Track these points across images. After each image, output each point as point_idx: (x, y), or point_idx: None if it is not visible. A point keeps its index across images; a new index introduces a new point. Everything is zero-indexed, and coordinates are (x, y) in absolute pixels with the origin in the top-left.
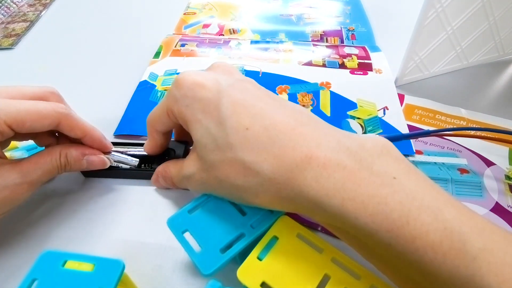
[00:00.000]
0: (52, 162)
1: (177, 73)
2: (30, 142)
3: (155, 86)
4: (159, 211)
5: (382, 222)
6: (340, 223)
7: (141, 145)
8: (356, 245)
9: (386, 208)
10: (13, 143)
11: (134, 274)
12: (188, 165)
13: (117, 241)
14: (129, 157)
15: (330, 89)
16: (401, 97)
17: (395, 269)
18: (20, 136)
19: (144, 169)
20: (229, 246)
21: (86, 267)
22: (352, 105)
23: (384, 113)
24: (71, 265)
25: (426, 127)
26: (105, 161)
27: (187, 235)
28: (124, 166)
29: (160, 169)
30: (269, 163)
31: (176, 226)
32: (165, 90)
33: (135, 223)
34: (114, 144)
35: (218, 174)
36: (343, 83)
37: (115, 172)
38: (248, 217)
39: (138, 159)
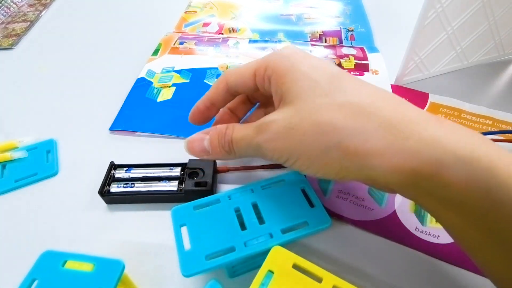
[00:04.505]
0: None
1: (174, 71)
2: (31, 141)
3: (152, 83)
4: (159, 211)
5: None
6: (482, 182)
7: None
8: (466, 218)
9: None
10: (13, 143)
11: (134, 274)
12: (273, 114)
13: (117, 241)
14: None
15: None
16: (425, 96)
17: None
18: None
19: (171, 193)
20: (217, 255)
21: (86, 267)
22: None
23: None
24: (71, 265)
25: None
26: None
27: (184, 230)
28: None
29: (216, 130)
30: (388, 111)
31: (177, 217)
32: (161, 87)
33: (135, 223)
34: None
35: (318, 117)
36: None
37: (141, 198)
38: (246, 234)
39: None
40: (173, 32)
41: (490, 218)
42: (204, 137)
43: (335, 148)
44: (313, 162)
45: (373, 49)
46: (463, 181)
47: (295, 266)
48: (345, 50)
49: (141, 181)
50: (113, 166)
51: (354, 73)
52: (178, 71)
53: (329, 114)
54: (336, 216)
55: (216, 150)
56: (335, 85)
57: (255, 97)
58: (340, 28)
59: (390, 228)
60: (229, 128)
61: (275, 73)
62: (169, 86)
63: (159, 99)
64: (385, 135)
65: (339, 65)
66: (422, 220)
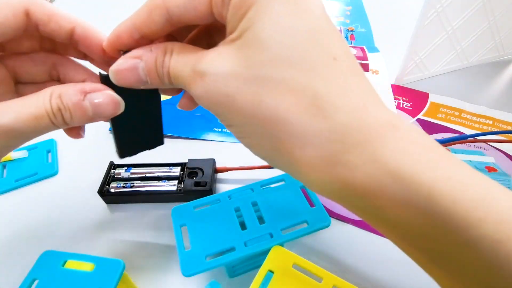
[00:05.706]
0: (39, 103)
1: None
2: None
3: None
4: (159, 211)
5: (489, 211)
6: (421, 208)
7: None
8: (417, 243)
9: (488, 196)
10: None
11: (134, 274)
12: (220, 61)
13: (117, 241)
14: None
15: None
16: (425, 96)
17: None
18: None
19: (171, 192)
20: (217, 254)
21: (86, 267)
22: None
23: None
24: (71, 265)
25: (452, 126)
26: (116, 99)
27: (184, 230)
28: None
29: (152, 57)
30: (348, 111)
31: (178, 217)
32: None
33: (135, 223)
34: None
35: (268, 96)
36: None
37: (139, 197)
38: (246, 233)
39: None
40: None
41: (431, 245)
42: (136, 65)
43: (270, 139)
44: (246, 138)
45: (373, 49)
46: (399, 205)
47: (295, 266)
48: None
49: (140, 180)
50: (112, 166)
51: None
52: None
53: (281, 97)
54: (336, 216)
55: (156, 82)
56: (302, 53)
57: (208, 31)
58: (340, 28)
59: None
60: (168, 54)
61: (235, 6)
62: None
63: None
64: (328, 144)
65: None
66: None
